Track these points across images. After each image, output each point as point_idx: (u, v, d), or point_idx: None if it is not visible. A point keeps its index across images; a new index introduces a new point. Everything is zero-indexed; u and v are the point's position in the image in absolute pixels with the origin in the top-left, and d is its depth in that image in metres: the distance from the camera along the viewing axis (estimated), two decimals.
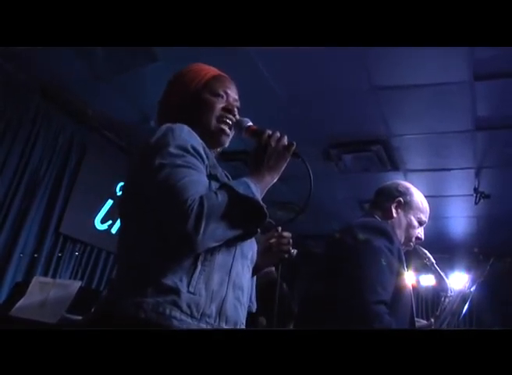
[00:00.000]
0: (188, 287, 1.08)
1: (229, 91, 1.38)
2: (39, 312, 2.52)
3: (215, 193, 1.10)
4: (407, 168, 4.62)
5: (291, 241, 1.47)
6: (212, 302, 1.11)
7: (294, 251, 1.47)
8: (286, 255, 1.46)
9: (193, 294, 1.08)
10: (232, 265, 1.18)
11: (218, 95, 1.36)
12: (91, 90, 3.95)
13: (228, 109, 1.35)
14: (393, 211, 1.95)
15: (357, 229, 1.78)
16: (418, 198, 2.01)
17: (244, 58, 3.13)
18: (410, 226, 1.96)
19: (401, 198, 1.96)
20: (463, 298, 2.07)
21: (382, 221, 1.92)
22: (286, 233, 1.48)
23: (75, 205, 4.32)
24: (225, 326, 1.12)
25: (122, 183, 4.69)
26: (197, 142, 1.22)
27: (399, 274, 1.73)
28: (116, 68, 3.50)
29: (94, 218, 4.54)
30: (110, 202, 4.65)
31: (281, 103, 3.72)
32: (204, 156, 1.21)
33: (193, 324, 1.07)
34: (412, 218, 1.97)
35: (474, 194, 4.71)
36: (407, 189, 2.01)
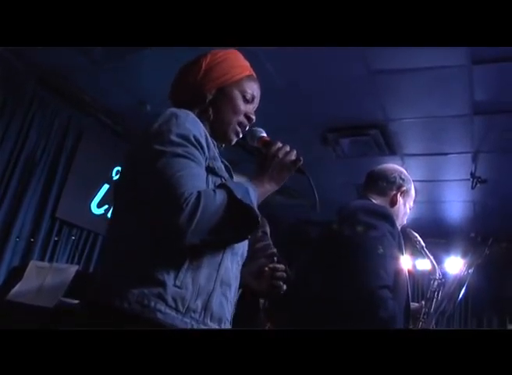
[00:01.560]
0: (175, 280, 1.07)
1: (255, 97, 1.39)
2: (36, 297, 2.52)
3: (214, 191, 1.09)
4: (404, 152, 4.61)
5: (284, 275, 1.43)
6: (198, 297, 1.10)
7: (284, 287, 1.41)
8: (276, 290, 1.42)
9: (180, 287, 1.07)
10: (221, 261, 1.17)
11: (246, 98, 1.36)
12: (87, 75, 3.91)
13: (249, 118, 1.37)
14: (398, 199, 1.97)
15: (360, 213, 1.78)
16: (412, 185, 2.05)
17: None
18: (405, 213, 2.01)
19: (405, 187, 1.99)
20: (459, 282, 2.09)
21: (383, 205, 1.92)
22: (280, 266, 1.45)
23: (71, 189, 4.31)
24: (209, 322, 1.12)
25: (118, 168, 4.68)
26: (200, 132, 1.20)
27: (398, 258, 1.74)
28: (111, 55, 3.47)
29: (91, 202, 4.53)
30: (106, 187, 4.63)
31: (278, 88, 3.69)
32: (206, 147, 1.20)
33: (178, 318, 1.06)
34: (407, 205, 2.02)
35: (471, 179, 4.71)
36: (408, 177, 2.04)
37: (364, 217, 1.75)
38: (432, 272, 2.17)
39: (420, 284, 6.53)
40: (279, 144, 1.27)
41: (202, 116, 1.29)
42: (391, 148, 4.51)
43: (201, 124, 1.23)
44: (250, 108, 1.38)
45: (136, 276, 1.07)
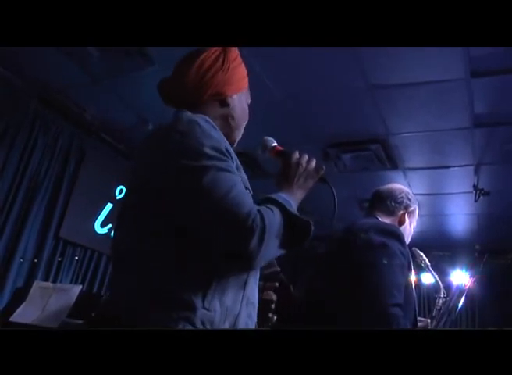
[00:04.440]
0: (203, 302, 0.99)
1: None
2: (40, 318, 2.52)
3: (269, 208, 1.04)
4: (405, 166, 4.62)
5: (273, 306, 1.43)
6: (226, 319, 1.03)
7: (274, 318, 1.42)
8: (266, 322, 1.41)
9: (209, 310, 1.00)
10: (247, 279, 1.10)
11: (248, 106, 1.34)
12: (89, 94, 3.95)
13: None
14: (406, 219, 2.01)
15: (372, 231, 1.79)
16: (417, 206, 2.09)
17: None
18: (410, 233, 2.06)
19: (412, 207, 2.03)
20: (459, 293, 2.12)
21: (393, 224, 1.95)
22: (270, 299, 1.43)
23: (74, 209, 4.32)
24: None
25: (121, 187, 4.69)
26: (226, 142, 1.12)
27: (408, 277, 1.76)
28: (113, 72, 3.51)
29: (94, 222, 4.54)
30: (109, 206, 4.64)
31: (278, 103, 3.72)
32: (234, 158, 1.11)
33: None
34: (412, 225, 2.07)
35: (474, 192, 4.71)
36: (414, 198, 2.10)
37: (376, 236, 1.77)
38: (437, 290, 2.20)
39: (425, 297, 6.49)
40: (298, 153, 1.24)
41: (217, 121, 1.18)
42: (393, 162, 4.53)
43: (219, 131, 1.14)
44: None
45: (164, 299, 0.99)
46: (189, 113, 1.11)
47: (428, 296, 6.46)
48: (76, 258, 4.41)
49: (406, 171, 4.70)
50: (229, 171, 1.03)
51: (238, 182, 1.03)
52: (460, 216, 5.74)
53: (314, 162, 1.23)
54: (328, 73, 3.37)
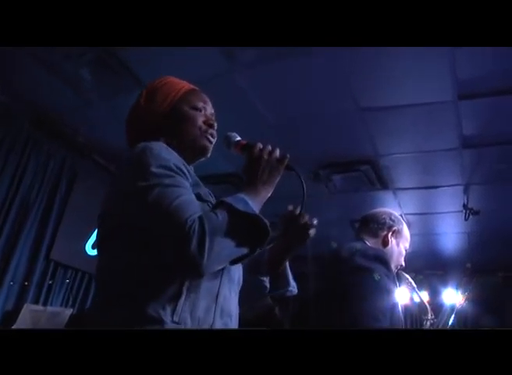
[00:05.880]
0: (172, 316, 1.01)
1: (206, 105, 1.36)
2: None
3: (214, 212, 1.04)
4: (395, 187, 4.66)
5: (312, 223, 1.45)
6: None
7: (312, 233, 1.44)
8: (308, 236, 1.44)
9: (178, 323, 1.02)
10: (218, 290, 1.12)
11: (197, 109, 1.33)
12: (81, 115, 3.96)
13: (209, 124, 1.33)
14: (390, 240, 2.01)
15: (356, 256, 1.80)
16: (405, 227, 2.10)
17: (230, 80, 3.17)
18: (400, 254, 2.06)
19: (395, 227, 2.04)
20: (450, 312, 2.13)
21: (378, 248, 1.96)
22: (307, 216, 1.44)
23: (65, 231, 4.29)
24: None
25: None
26: (178, 160, 1.16)
27: (394, 300, 1.76)
28: (104, 95, 3.53)
29: (85, 244, 4.51)
30: None
31: (269, 126, 3.75)
32: (188, 174, 1.15)
33: None
34: (401, 246, 2.07)
35: (464, 211, 4.76)
36: (398, 218, 2.10)
37: (361, 259, 1.78)
38: (425, 312, 2.20)
39: (417, 318, 6.47)
40: (260, 145, 1.22)
41: (168, 144, 1.22)
42: (383, 183, 4.57)
43: (175, 152, 1.18)
44: (207, 115, 1.35)
45: (132, 315, 1.01)
46: (143, 142, 1.17)
47: (419, 316, 6.44)
48: (67, 280, 4.36)
49: (396, 191, 4.74)
50: (176, 186, 1.07)
51: (183, 194, 1.06)
52: (451, 235, 5.78)
53: (277, 152, 1.21)
54: (318, 96, 3.42)
